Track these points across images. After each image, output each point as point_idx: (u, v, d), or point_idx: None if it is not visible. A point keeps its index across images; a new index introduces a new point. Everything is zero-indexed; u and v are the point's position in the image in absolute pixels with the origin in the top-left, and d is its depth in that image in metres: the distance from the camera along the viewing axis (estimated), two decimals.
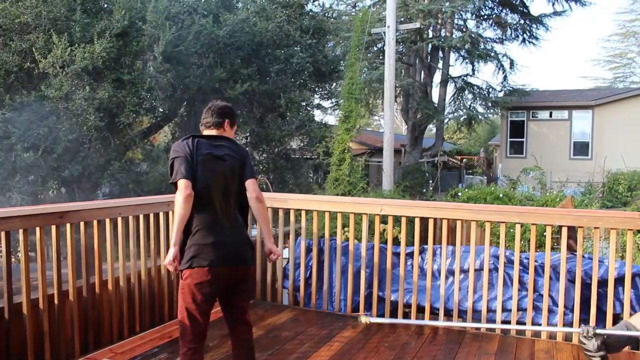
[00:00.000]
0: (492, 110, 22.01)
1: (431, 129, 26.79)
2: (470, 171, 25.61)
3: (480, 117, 21.50)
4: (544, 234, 4.75)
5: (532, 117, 22.48)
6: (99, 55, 8.22)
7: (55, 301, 3.50)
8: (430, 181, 19.63)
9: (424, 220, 4.62)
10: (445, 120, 22.63)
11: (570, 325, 4.27)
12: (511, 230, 6.90)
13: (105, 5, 9.53)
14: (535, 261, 4.42)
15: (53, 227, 3.50)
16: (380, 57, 19.75)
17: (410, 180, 18.65)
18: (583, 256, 4.30)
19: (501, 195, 11.00)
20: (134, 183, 9.50)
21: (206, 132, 2.95)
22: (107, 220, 3.91)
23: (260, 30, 10.28)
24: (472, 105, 21.53)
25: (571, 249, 4.49)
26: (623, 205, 16.55)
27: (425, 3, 18.71)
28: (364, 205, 4.89)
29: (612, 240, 4.15)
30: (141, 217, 4.20)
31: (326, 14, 12.90)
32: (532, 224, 4.31)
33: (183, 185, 2.65)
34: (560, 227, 4.29)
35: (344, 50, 14.18)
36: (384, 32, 12.15)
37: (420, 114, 20.65)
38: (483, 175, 23.93)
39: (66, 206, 3.68)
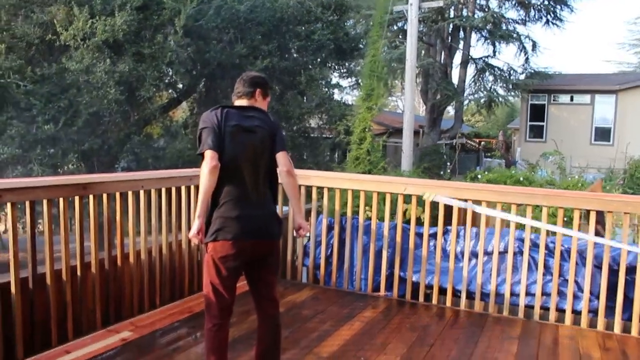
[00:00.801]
0: (512, 93, 21.67)
1: (449, 110, 26.48)
2: (489, 154, 25.35)
3: (500, 99, 21.18)
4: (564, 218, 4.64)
5: (553, 100, 22.10)
6: (119, 28, 8.17)
7: (78, 272, 3.49)
8: (448, 163, 19.46)
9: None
10: (465, 102, 22.31)
11: (595, 312, 4.19)
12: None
13: None
14: (562, 245, 4.33)
15: (76, 198, 3.47)
16: (400, 37, 19.47)
17: (428, 162, 18.50)
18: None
19: (522, 179, 10.84)
20: (152, 158, 9.50)
21: (237, 103, 2.87)
22: (130, 193, 3.88)
23: (282, 6, 10.15)
24: (492, 87, 21.20)
25: (599, 235, 4.39)
26: None
27: None
28: (387, 184, 4.82)
29: None
30: (163, 190, 4.16)
31: None
32: (559, 207, 4.22)
33: (209, 156, 2.58)
34: (588, 211, 4.20)
35: (365, 28, 13.98)
36: (406, 10, 11.94)
37: (439, 95, 20.39)
38: (501, 159, 23.68)
39: (89, 177, 3.67)
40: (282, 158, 2.80)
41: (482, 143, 27.98)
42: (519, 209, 4.35)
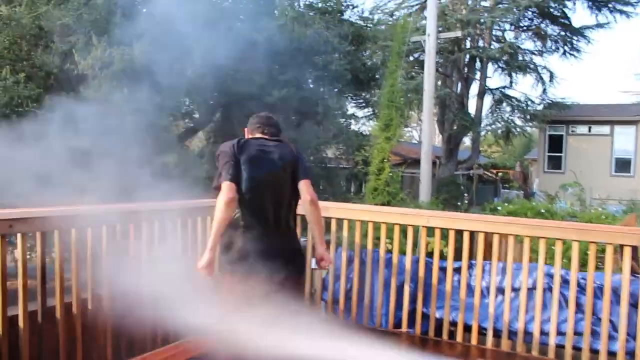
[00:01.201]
0: (530, 124, 21.52)
1: (464, 141, 26.34)
2: (507, 185, 25.07)
3: (518, 129, 21.03)
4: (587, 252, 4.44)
5: (572, 131, 21.90)
6: (137, 57, 8.17)
7: (89, 306, 3.34)
8: (466, 194, 19.23)
9: (473, 235, 4.38)
10: (482, 133, 22.19)
11: (632, 353, 3.96)
12: (552, 247, 6.55)
13: (145, 10, 9.51)
14: (594, 282, 4.12)
15: (89, 230, 3.35)
16: (416, 67, 19.48)
17: (445, 193, 18.28)
18: None
19: (543, 211, 10.61)
20: (167, 187, 9.42)
21: (257, 136, 2.77)
22: (144, 224, 3.75)
23: (299, 36, 10.15)
24: (510, 117, 21.08)
25: (634, 271, 4.18)
26: None
27: (463, 13, 18.42)
28: (409, 217, 4.65)
29: None
30: (179, 221, 4.04)
31: (365, 22, 12.73)
32: (591, 242, 4.03)
33: (226, 187, 2.49)
34: (622, 246, 4.00)
35: (381, 58, 13.99)
36: (424, 41, 11.92)
37: (456, 126, 20.28)
38: (519, 190, 23.38)
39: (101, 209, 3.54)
40: (305, 186, 2.67)
41: (499, 174, 27.70)
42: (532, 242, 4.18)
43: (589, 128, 21.76)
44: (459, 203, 17.80)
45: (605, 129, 21.36)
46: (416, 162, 15.07)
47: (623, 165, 20.89)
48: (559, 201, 16.66)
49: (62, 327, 3.17)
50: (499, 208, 11.29)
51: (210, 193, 4.31)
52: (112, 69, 8.14)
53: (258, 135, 2.75)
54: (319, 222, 2.77)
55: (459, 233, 4.48)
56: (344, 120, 11.59)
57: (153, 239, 3.85)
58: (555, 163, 21.97)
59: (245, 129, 2.91)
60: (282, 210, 2.60)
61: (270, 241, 2.53)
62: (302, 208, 2.73)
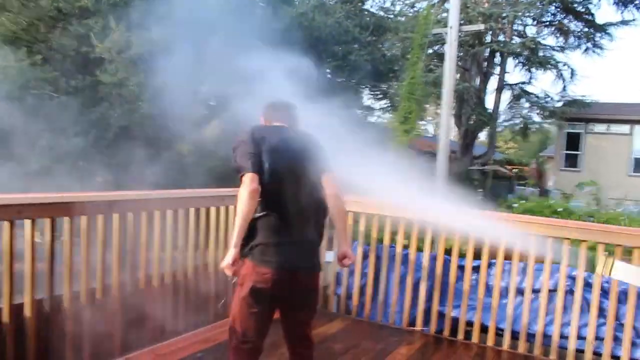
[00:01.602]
0: (548, 120, 21.20)
1: (479, 137, 26.03)
2: (522, 182, 24.79)
3: (536, 126, 20.72)
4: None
5: (590, 129, 21.55)
6: (155, 42, 8.08)
7: (98, 295, 3.27)
8: (480, 190, 19.02)
9: None
10: (499, 129, 21.90)
11: None
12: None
13: None
14: (618, 286, 3.97)
15: (100, 217, 3.27)
16: (435, 60, 19.22)
17: (458, 188, 18.08)
18: None
19: (560, 210, 10.45)
20: (181, 175, 9.35)
21: (275, 124, 2.65)
22: (157, 212, 3.66)
23: (319, 25, 10.00)
24: (528, 113, 20.76)
25: None
26: None
27: (486, 6, 18.12)
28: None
29: None
30: (192, 210, 3.96)
31: (387, 12, 12.51)
32: (617, 245, 3.88)
33: (249, 179, 2.34)
34: None
35: (401, 51, 13.77)
36: (445, 33, 11.70)
37: (473, 120, 20.02)
38: (535, 187, 23.10)
39: (115, 195, 3.46)
40: (330, 180, 2.55)
41: (515, 170, 27.39)
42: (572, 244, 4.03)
43: (608, 127, 21.40)
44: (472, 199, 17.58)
45: (625, 128, 20.99)
46: (430, 156, 14.87)
47: None
48: (574, 200, 16.45)
49: (70, 316, 3.10)
50: (515, 205, 11.12)
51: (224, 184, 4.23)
52: (129, 53, 8.06)
53: (277, 123, 2.63)
54: (344, 217, 2.65)
55: None
56: (363, 112, 11.43)
57: (166, 226, 3.77)
58: (572, 161, 21.65)
59: (262, 116, 2.75)
60: (303, 202, 2.48)
61: (290, 235, 2.42)
62: (327, 203, 2.61)
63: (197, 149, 10.21)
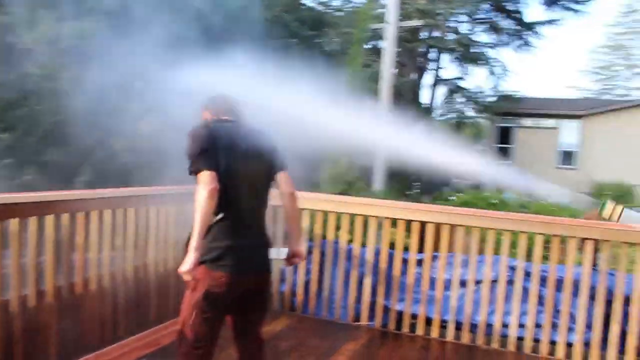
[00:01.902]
0: (482, 115, 21.85)
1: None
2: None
3: (470, 120, 21.33)
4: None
5: (521, 123, 22.37)
6: (87, 33, 7.75)
7: (31, 302, 3.07)
8: (417, 183, 19.35)
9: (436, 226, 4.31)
10: (435, 123, 22.38)
11: (589, 344, 3.99)
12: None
13: None
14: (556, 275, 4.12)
15: (32, 219, 3.07)
16: (371, 56, 19.41)
17: (396, 182, 18.35)
18: (611, 273, 4.01)
19: (495, 202, 10.76)
20: (116, 173, 9.03)
21: (224, 118, 2.55)
22: (94, 213, 3.48)
23: (258, 20, 9.87)
24: (462, 108, 21.35)
25: (594, 264, 4.21)
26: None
27: (422, 3, 18.43)
28: (373, 207, 4.53)
29: (639, 256, 3.87)
30: (131, 210, 3.79)
31: (325, 7, 12.50)
32: (554, 235, 4.02)
33: (207, 177, 2.21)
34: (584, 239, 4.01)
35: (340, 46, 13.80)
36: (384, 29, 11.80)
37: (410, 115, 20.36)
38: (469, 180, 23.75)
39: (51, 195, 3.26)
40: (285, 178, 2.49)
41: None
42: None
43: (537, 121, 22.29)
44: (409, 192, 17.87)
45: (552, 123, 21.92)
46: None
47: (568, 157, 21.52)
48: (506, 191, 17.00)
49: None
50: (453, 198, 11.38)
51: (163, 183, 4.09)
52: (60, 45, 7.69)
53: (224, 117, 2.52)
54: (298, 216, 2.62)
55: (423, 225, 4.41)
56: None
57: (103, 228, 3.59)
58: (504, 154, 22.41)
59: (206, 111, 2.61)
60: (257, 202, 2.42)
61: (244, 237, 2.34)
62: (281, 201, 2.55)
63: (133, 145, 9.89)
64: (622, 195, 17.52)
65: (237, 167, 2.34)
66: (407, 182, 19.32)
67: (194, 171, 2.27)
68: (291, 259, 2.65)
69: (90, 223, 3.42)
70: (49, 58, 7.78)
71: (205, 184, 2.22)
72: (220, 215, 2.29)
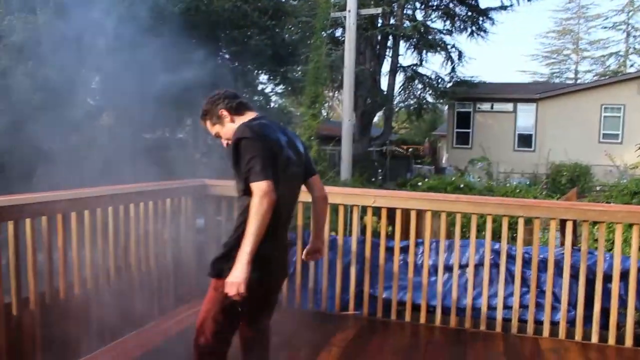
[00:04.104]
0: (440, 100, 22.14)
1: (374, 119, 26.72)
2: (419, 161, 25.75)
3: (430, 106, 21.58)
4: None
5: (478, 108, 22.77)
6: (42, 27, 7.43)
7: (13, 312, 2.92)
8: (380, 170, 19.51)
9: (418, 213, 4.32)
10: (395, 110, 22.58)
11: (573, 322, 4.08)
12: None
13: None
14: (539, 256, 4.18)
15: (10, 224, 2.91)
16: (330, 44, 19.38)
17: (359, 170, 18.45)
18: (591, 252, 4.09)
19: (462, 186, 10.91)
20: (78, 172, 8.72)
21: (250, 115, 2.36)
22: (73, 214, 3.33)
23: (217, 9, 9.66)
24: (422, 94, 21.57)
25: (574, 244, 4.29)
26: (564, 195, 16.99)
27: None
28: (355, 197, 4.50)
29: (617, 235, 3.96)
30: (110, 210, 3.65)
31: None
32: (535, 218, 4.08)
33: (268, 188, 2.05)
34: (563, 220, 4.08)
35: (301, 35, 13.70)
36: (344, 17, 11.77)
37: (369, 102, 20.46)
38: (431, 165, 24.10)
39: (24, 198, 3.09)
40: (318, 182, 2.43)
41: (410, 150, 28.41)
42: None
43: (494, 105, 22.72)
44: (373, 179, 18.00)
45: (509, 107, 22.37)
46: (329, 139, 15.00)
47: (525, 140, 22.01)
48: (468, 175, 17.30)
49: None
50: (420, 184, 11.48)
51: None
52: (12, 39, 7.34)
53: (252, 115, 2.35)
54: (326, 217, 2.62)
55: (406, 212, 4.40)
56: (265, 97, 11.24)
57: (84, 229, 3.45)
58: (463, 139, 22.77)
59: (223, 111, 2.37)
60: (290, 208, 2.33)
61: (278, 244, 2.27)
62: (314, 204, 2.50)
63: (91, 142, 9.58)
64: (579, 175, 18.04)
65: (284, 172, 2.22)
66: (371, 170, 19.46)
67: (253, 181, 2.10)
68: (314, 254, 2.68)
69: (70, 225, 3.27)
70: (2, 53, 7.44)
71: (267, 195, 2.06)
72: None
